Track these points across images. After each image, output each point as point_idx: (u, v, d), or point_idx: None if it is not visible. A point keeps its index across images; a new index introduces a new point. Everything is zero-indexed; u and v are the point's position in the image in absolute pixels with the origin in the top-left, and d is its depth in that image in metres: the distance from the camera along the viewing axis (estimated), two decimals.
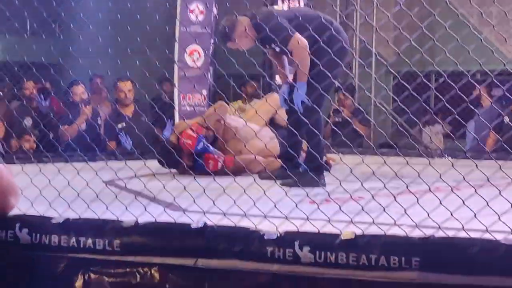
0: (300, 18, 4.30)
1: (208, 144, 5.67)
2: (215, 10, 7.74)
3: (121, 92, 7.66)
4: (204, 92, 7.68)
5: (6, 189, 2.90)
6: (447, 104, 2.86)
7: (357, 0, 9.24)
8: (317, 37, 4.17)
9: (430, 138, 8.25)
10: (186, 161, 5.40)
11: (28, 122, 7.44)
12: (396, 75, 2.77)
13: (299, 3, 8.17)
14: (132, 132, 7.28)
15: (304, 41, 4.67)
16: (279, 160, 5.29)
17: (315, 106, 4.56)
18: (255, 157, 5.13)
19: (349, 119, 7.81)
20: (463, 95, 2.79)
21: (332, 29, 4.20)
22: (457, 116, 2.74)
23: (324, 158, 5.41)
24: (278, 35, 4.41)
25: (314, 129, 4.30)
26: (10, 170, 2.98)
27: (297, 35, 4.66)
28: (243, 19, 4.81)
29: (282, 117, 5.62)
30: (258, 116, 5.71)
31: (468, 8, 7.41)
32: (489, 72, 3.09)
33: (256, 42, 4.88)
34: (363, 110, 8.25)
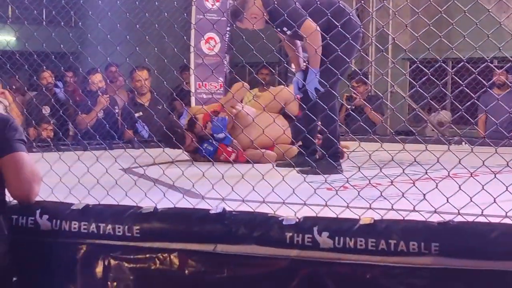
0: (317, 2, 4.25)
1: (228, 134, 5.67)
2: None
3: (137, 81, 7.69)
4: (221, 79, 7.68)
5: (30, 177, 2.91)
6: (467, 90, 2.85)
7: None
8: (332, 21, 4.12)
9: (432, 126, 8.22)
10: (190, 141, 5.44)
11: (45, 110, 7.47)
12: (416, 60, 2.76)
13: None
14: (148, 120, 7.31)
15: (315, 26, 4.62)
16: (297, 147, 5.28)
17: (329, 92, 4.52)
18: (263, 154, 5.16)
19: (363, 106, 7.79)
20: (483, 81, 2.77)
21: (348, 15, 4.17)
22: (476, 101, 2.72)
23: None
24: (290, 19, 4.38)
25: (330, 116, 4.29)
26: (32, 158, 3.00)
27: (309, 20, 4.61)
28: None
29: (293, 109, 5.59)
30: (270, 106, 5.69)
31: None
32: (510, 58, 3.07)
33: (269, 24, 4.84)
34: (378, 97, 8.23)
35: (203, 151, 5.60)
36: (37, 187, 2.96)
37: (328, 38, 3.85)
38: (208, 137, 5.62)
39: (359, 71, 7.84)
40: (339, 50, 3.59)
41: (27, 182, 2.90)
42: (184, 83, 8.07)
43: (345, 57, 3.93)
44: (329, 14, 3.94)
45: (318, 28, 4.63)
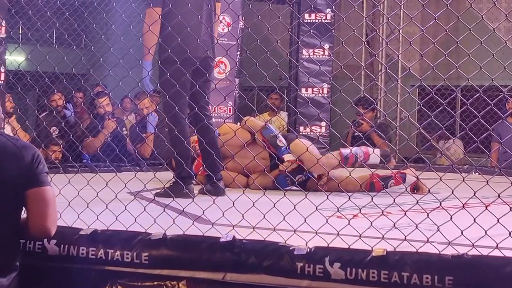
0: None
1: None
2: (241, 23, 7.74)
3: (141, 110, 7.73)
4: (230, 103, 7.67)
5: (54, 214, 2.87)
6: (480, 120, 2.82)
7: (384, 13, 9.22)
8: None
9: (441, 152, 8.19)
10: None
11: (54, 132, 7.47)
12: (430, 90, 2.74)
13: (326, 17, 8.15)
14: (156, 144, 7.30)
15: (151, 21, 4.31)
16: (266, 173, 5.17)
17: (174, 113, 4.32)
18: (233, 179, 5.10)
19: (370, 133, 7.76)
20: (499, 112, 2.75)
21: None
22: (491, 131, 2.70)
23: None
24: None
25: (175, 137, 4.30)
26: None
27: (152, 9, 4.49)
28: None
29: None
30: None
31: (494, 22, 7.36)
32: None
33: None
34: (386, 124, 8.21)
35: None
36: (56, 225, 2.92)
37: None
38: None
39: (368, 97, 7.84)
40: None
41: (51, 220, 2.83)
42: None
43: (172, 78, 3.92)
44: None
45: (159, 20, 4.38)
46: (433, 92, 2.71)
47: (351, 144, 7.98)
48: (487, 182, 2.75)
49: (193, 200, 3.59)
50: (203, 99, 4.86)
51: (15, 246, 2.89)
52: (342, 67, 2.87)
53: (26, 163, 2.81)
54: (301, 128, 8.14)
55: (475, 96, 2.95)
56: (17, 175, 2.79)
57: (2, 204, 2.80)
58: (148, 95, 6.04)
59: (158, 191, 4.49)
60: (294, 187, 5.23)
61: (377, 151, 5.55)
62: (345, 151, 5.47)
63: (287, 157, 5.52)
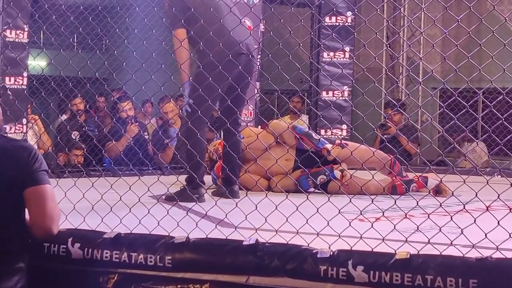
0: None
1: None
2: (262, 26, 7.74)
3: (165, 113, 7.73)
4: (251, 107, 7.68)
5: (54, 212, 2.88)
6: (504, 122, 2.81)
7: (405, 15, 9.19)
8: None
9: (465, 155, 8.14)
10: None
11: (75, 136, 7.51)
12: (453, 92, 2.73)
13: (346, 20, 8.13)
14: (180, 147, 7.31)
15: (182, 38, 4.46)
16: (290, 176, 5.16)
17: (199, 117, 4.28)
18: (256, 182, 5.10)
19: (398, 136, 7.71)
20: None
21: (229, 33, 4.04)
22: None
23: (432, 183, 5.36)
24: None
25: (196, 142, 4.30)
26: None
27: (179, 30, 4.54)
28: None
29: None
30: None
31: None
32: None
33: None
34: (413, 127, 8.15)
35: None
36: (58, 223, 2.92)
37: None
38: None
39: (394, 100, 7.79)
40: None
41: (50, 218, 2.84)
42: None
43: (215, 82, 3.92)
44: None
45: (186, 41, 4.48)
46: (456, 94, 2.69)
47: (380, 148, 7.93)
48: (511, 184, 2.73)
49: (196, 203, 3.63)
50: (242, 105, 4.88)
51: (18, 249, 2.87)
52: (364, 70, 2.86)
53: (22, 162, 2.82)
54: (322, 131, 8.13)
55: (498, 99, 2.93)
56: (15, 175, 2.80)
57: (2, 206, 2.81)
58: (171, 99, 6.08)
59: (168, 194, 4.43)
60: (316, 190, 5.22)
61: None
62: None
63: (328, 146, 5.52)
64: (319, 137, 5.66)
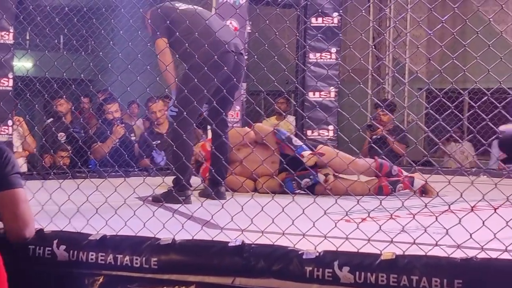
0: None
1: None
2: (248, 28, 7.74)
3: (152, 114, 7.72)
4: (238, 107, 7.68)
5: (28, 214, 2.85)
6: (489, 122, 2.82)
7: (391, 17, 9.21)
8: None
9: (449, 155, 8.16)
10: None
11: (61, 137, 7.48)
12: (438, 93, 2.74)
13: (333, 21, 8.14)
14: (166, 149, 7.31)
15: (164, 46, 4.53)
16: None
17: (184, 119, 4.32)
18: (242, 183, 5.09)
19: (385, 137, 7.71)
20: (505, 113, 2.75)
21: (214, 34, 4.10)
22: (499, 134, 2.70)
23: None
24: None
25: (182, 144, 4.27)
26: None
27: (161, 39, 4.56)
28: None
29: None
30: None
31: (501, 25, 7.36)
32: None
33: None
34: (401, 128, 8.15)
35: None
36: (33, 226, 2.89)
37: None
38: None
39: (380, 101, 7.79)
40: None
41: (23, 222, 2.82)
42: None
43: (202, 83, 3.98)
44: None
45: (167, 49, 4.55)
46: (441, 96, 2.71)
47: (369, 151, 7.93)
48: (496, 185, 2.74)
49: (182, 204, 3.62)
50: (230, 104, 4.88)
51: None
52: (350, 71, 2.87)
53: None
54: (309, 132, 8.13)
55: (483, 99, 2.95)
56: None
57: None
58: (157, 100, 6.06)
59: (155, 195, 4.43)
60: (302, 191, 5.22)
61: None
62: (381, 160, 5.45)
63: (305, 153, 5.51)
64: (300, 143, 5.62)
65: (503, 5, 2.64)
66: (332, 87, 8.11)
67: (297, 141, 5.64)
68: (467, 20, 2.67)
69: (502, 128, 1.90)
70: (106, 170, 5.80)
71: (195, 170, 5.59)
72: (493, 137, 3.18)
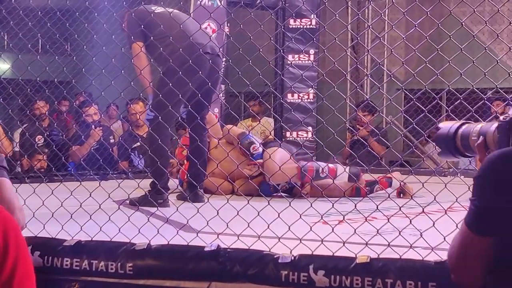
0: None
1: None
2: (226, 29, 7.73)
3: (132, 115, 7.67)
4: (216, 110, 7.66)
5: (16, 202, 2.83)
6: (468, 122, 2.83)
7: (369, 19, 9.24)
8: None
9: (423, 157, 8.16)
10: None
11: (39, 140, 7.42)
12: (412, 97, 2.75)
13: (311, 22, 8.14)
14: (145, 152, 7.27)
15: (139, 50, 4.46)
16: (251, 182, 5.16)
17: (160, 123, 4.25)
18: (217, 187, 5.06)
19: (367, 137, 7.71)
20: (481, 113, 2.77)
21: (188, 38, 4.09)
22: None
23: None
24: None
25: (158, 148, 4.27)
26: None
27: (136, 43, 4.50)
28: None
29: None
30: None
31: (478, 26, 7.39)
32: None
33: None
34: (380, 129, 8.15)
35: None
36: (23, 217, 2.87)
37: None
38: None
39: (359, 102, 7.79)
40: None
41: (19, 209, 2.81)
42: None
43: (178, 86, 3.95)
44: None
45: (142, 53, 4.50)
46: (414, 100, 2.72)
47: (349, 154, 7.90)
48: (469, 187, 2.75)
49: (158, 208, 3.61)
50: (206, 108, 4.87)
51: None
52: (324, 75, 2.87)
53: None
54: (288, 134, 8.13)
55: (458, 100, 2.96)
56: None
57: None
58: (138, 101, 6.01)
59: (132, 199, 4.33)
60: (279, 194, 5.21)
61: (347, 169, 5.39)
62: (303, 164, 5.30)
63: (260, 161, 5.48)
64: (257, 151, 5.59)
65: (474, 9, 2.65)
66: (310, 89, 8.10)
67: (254, 149, 5.60)
68: (439, 24, 2.68)
69: (440, 125, 1.92)
70: (85, 173, 5.77)
71: (176, 172, 5.58)
72: (428, 131, 3.21)
